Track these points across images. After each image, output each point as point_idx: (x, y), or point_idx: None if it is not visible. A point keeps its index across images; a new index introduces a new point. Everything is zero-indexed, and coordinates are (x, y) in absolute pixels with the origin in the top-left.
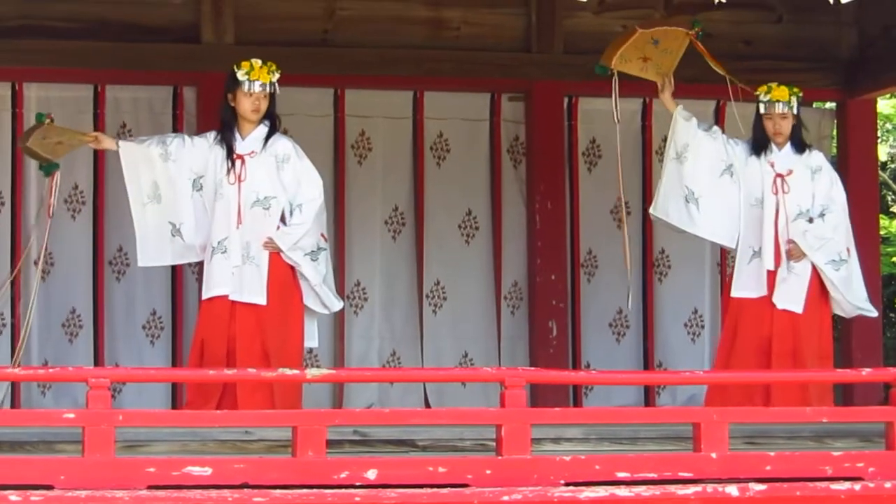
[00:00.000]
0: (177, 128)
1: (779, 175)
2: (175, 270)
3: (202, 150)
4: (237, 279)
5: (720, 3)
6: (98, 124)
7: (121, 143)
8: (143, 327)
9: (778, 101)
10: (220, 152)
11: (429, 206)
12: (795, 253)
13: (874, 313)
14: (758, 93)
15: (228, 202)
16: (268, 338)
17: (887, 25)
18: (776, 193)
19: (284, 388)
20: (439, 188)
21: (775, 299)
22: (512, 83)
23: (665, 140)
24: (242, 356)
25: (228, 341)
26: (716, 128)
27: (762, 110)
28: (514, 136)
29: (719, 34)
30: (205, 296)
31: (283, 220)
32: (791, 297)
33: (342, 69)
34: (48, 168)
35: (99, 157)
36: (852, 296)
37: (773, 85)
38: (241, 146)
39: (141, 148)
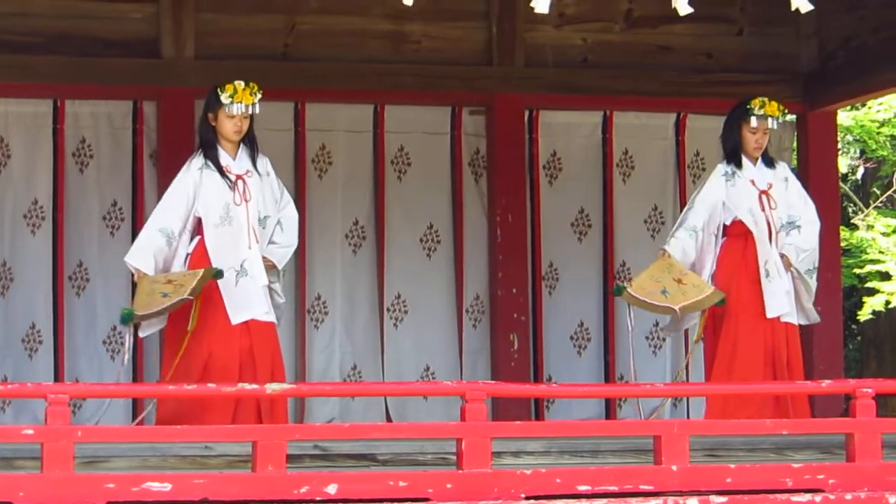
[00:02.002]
0: (136, 142)
1: (762, 192)
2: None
3: (188, 195)
4: (266, 299)
5: (682, 15)
6: (58, 139)
7: (136, 264)
8: (104, 343)
9: (770, 116)
10: (212, 175)
11: (390, 220)
12: (786, 265)
13: (819, 319)
14: (750, 106)
15: (240, 223)
16: (275, 354)
17: (847, 37)
18: (764, 210)
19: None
20: (400, 202)
21: (777, 311)
22: (473, 96)
23: (625, 152)
24: (262, 373)
25: (241, 356)
26: (692, 223)
27: (753, 123)
28: (475, 149)
29: (681, 47)
30: (238, 319)
31: None
32: (789, 308)
33: (302, 83)
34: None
35: (59, 172)
36: (814, 302)
37: (766, 100)
38: (235, 166)
39: (151, 250)
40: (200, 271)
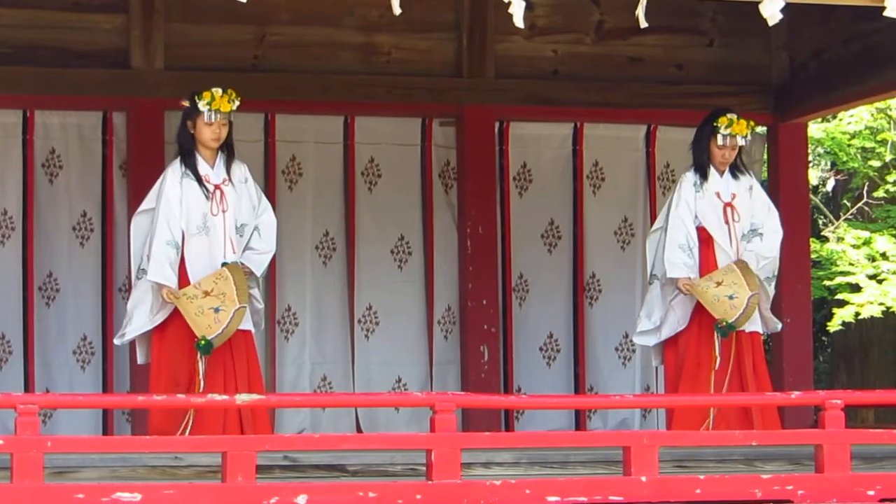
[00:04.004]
0: (106, 153)
1: (727, 204)
2: (105, 295)
3: (179, 203)
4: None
5: (644, 27)
6: (27, 149)
7: (163, 280)
8: (74, 353)
9: (737, 134)
10: (192, 184)
11: (360, 232)
12: None
13: (780, 326)
14: (717, 124)
15: (217, 233)
16: (251, 362)
17: (818, 49)
18: (728, 223)
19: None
20: (371, 213)
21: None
22: (443, 108)
23: (596, 164)
24: (240, 381)
25: (223, 365)
26: (682, 241)
27: (719, 141)
28: (445, 160)
29: (652, 59)
30: None
31: None
32: (752, 318)
33: (273, 94)
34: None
35: (28, 182)
36: (782, 314)
37: (734, 118)
38: (214, 175)
39: (168, 263)
40: (224, 272)
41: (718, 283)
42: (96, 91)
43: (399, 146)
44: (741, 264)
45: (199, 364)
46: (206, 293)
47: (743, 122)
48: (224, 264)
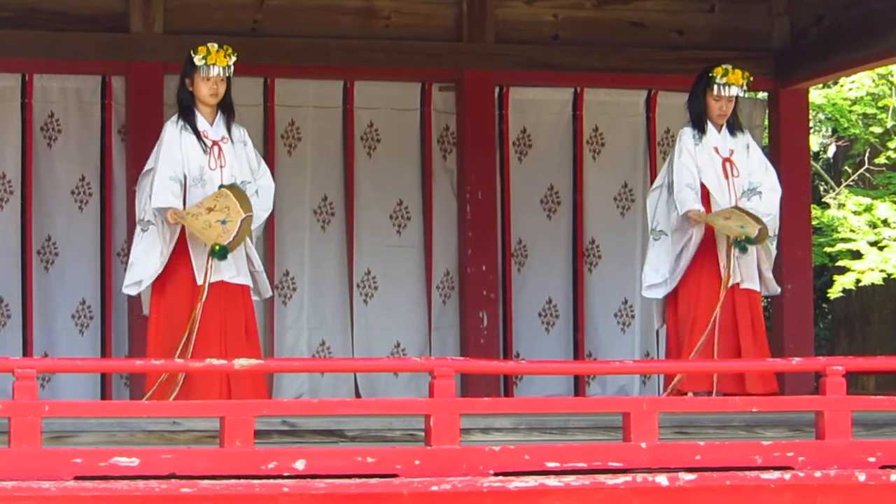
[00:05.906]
0: (105, 117)
1: (725, 160)
2: (104, 259)
3: (179, 150)
4: (234, 262)
5: None
6: (26, 113)
7: (167, 203)
8: (73, 317)
9: (733, 84)
10: (190, 138)
11: (359, 196)
12: None
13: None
14: (713, 74)
15: (214, 186)
16: (249, 318)
17: (819, 15)
18: (728, 178)
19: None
20: (370, 178)
21: (736, 278)
22: (443, 72)
23: (596, 129)
24: (233, 338)
25: (218, 319)
26: (689, 181)
27: (715, 92)
28: (444, 125)
29: (652, 24)
30: (212, 279)
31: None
32: (750, 275)
33: (272, 59)
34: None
35: (27, 146)
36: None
37: (729, 68)
38: (212, 132)
39: (171, 192)
40: (223, 191)
41: (727, 218)
42: (95, 55)
43: (398, 111)
44: (742, 209)
45: (197, 308)
46: (210, 209)
47: (738, 71)
48: (221, 186)
